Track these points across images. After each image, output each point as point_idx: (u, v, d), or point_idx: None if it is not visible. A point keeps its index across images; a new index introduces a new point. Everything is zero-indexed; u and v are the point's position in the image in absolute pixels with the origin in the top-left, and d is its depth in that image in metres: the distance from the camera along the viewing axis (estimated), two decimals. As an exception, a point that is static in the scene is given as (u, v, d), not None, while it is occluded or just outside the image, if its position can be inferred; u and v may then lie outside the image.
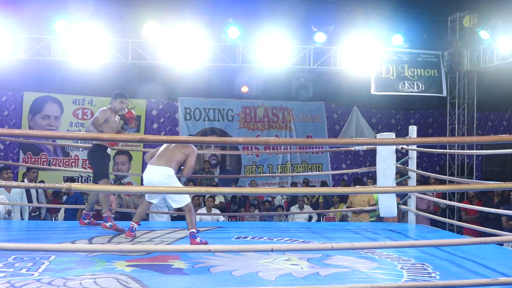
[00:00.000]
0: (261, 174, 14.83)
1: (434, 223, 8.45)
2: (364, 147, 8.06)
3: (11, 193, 8.37)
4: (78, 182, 12.47)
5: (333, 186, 14.61)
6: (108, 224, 6.20)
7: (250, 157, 14.93)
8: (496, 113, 16.86)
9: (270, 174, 14.91)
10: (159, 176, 5.68)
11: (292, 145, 14.73)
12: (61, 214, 10.05)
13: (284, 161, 15.25)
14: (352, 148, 8.77)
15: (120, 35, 11.48)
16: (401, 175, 7.79)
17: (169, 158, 5.75)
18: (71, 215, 9.23)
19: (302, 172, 15.12)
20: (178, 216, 8.41)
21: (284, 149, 14.93)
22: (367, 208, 9.04)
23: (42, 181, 10.90)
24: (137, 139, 4.64)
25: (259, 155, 14.97)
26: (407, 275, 4.62)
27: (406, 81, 12.45)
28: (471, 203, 9.67)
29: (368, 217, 9.56)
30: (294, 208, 11.22)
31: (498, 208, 8.47)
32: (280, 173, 14.90)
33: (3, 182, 7.78)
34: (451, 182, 9.58)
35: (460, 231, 9.66)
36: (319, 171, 15.20)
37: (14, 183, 5.99)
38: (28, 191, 8.86)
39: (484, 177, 15.09)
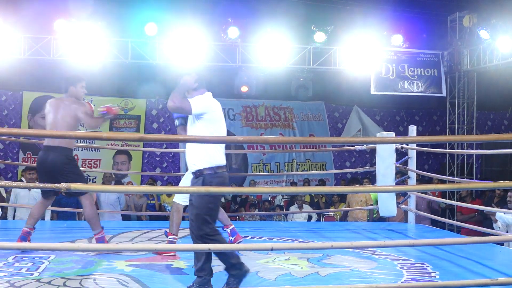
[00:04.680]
0: (268, 173, 14.77)
1: (434, 223, 8.45)
2: (364, 146, 8.06)
3: (31, 191, 8.16)
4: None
5: (334, 185, 14.59)
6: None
7: (257, 155, 14.89)
8: (496, 113, 16.85)
9: (276, 173, 14.87)
10: None
11: (294, 144, 14.72)
12: (48, 215, 8.49)
13: (290, 159, 15.26)
14: (352, 148, 8.76)
15: (120, 35, 11.47)
16: (402, 175, 7.79)
17: None
18: (67, 215, 8.89)
19: (307, 170, 15.11)
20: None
21: (290, 147, 14.94)
22: (365, 207, 9.04)
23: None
24: (136, 137, 4.63)
25: (265, 153, 14.91)
26: (407, 275, 4.62)
27: (406, 81, 12.44)
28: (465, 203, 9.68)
29: (365, 217, 9.56)
30: (293, 208, 11.21)
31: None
32: (287, 171, 14.88)
33: (3, 182, 7.75)
34: (451, 182, 9.57)
35: (460, 231, 9.65)
36: (323, 169, 15.21)
37: (14, 183, 5.96)
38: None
39: (484, 177, 15.07)
